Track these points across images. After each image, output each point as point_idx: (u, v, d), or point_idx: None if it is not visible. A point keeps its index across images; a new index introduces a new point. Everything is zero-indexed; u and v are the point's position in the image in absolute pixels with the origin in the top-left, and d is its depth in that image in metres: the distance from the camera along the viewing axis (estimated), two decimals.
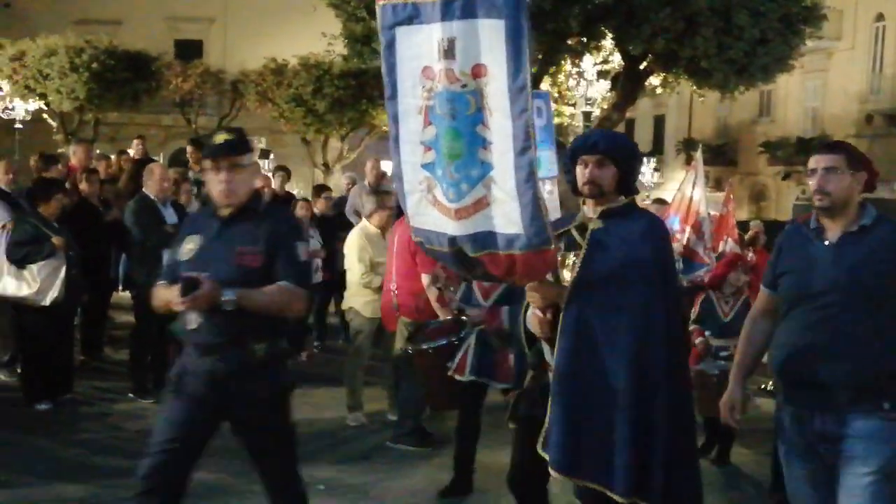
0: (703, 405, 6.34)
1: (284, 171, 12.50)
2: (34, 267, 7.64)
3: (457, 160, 3.56)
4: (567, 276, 3.84)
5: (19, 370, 8.24)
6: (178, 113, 30.24)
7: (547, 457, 3.77)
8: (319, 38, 22.19)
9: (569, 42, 16.25)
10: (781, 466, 3.91)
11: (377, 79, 9.64)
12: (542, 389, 3.92)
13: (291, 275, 3.96)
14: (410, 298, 6.90)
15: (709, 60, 15.36)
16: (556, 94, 19.64)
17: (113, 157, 13.11)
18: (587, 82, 19.13)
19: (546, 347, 3.92)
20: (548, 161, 9.29)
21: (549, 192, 9.10)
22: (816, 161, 3.72)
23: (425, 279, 6.74)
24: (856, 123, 28.67)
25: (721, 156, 33.19)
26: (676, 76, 17.39)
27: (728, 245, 10.24)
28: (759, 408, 6.62)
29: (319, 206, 11.02)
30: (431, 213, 3.73)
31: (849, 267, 3.59)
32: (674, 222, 9.49)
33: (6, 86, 26.50)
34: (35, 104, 26.86)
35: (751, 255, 10.51)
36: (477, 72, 3.45)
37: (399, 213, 6.43)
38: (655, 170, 33.56)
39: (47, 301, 7.65)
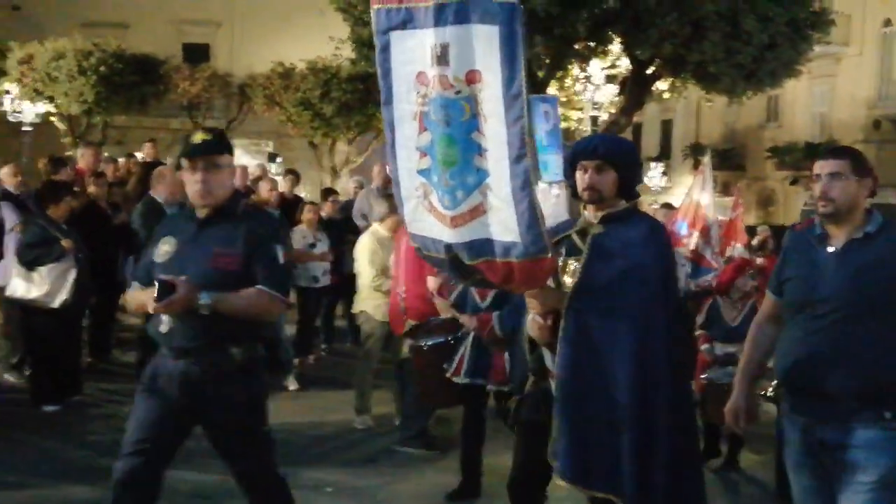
0: (715, 414, 6.30)
1: (294, 174, 12.53)
2: (43, 269, 7.65)
3: (452, 167, 3.52)
4: (568, 281, 3.82)
5: (28, 372, 8.26)
6: (186, 116, 30.26)
7: (555, 465, 3.75)
8: (327, 42, 22.24)
9: (576, 46, 16.26)
10: (785, 469, 3.88)
11: None
12: (543, 394, 3.91)
13: (270, 279, 3.89)
14: (418, 302, 6.90)
15: (716, 65, 15.35)
16: (564, 99, 19.66)
17: (121, 160, 13.16)
18: (595, 87, 19.15)
19: (547, 353, 3.91)
20: (555, 165, 9.33)
21: (557, 196, 9.13)
22: (821, 167, 3.64)
23: (430, 282, 6.74)
24: (864, 129, 28.62)
25: (729, 160, 33.17)
26: (684, 81, 17.40)
27: (736, 250, 10.21)
28: (766, 413, 6.60)
29: (327, 210, 11.04)
30: (428, 220, 3.71)
31: (852, 275, 3.53)
32: (681, 227, 9.49)
33: (14, 89, 26.57)
34: (43, 107, 26.91)
35: (760, 259, 10.50)
36: (471, 78, 3.41)
37: None
38: (663, 174, 33.53)
39: (57, 303, 7.67)
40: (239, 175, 12.03)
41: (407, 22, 3.56)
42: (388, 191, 10.32)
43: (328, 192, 12.07)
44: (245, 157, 28.46)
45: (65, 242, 7.70)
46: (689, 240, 9.38)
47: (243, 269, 3.86)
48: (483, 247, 3.52)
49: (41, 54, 26.01)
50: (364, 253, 7.75)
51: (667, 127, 38.14)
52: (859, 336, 3.49)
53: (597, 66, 18.43)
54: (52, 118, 27.50)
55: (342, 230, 10.72)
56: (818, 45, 16.98)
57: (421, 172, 3.67)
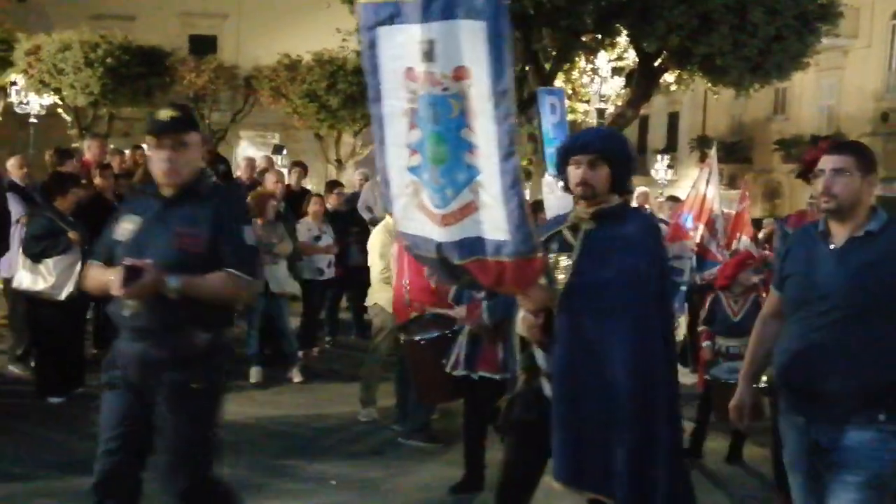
0: (721, 412, 6.25)
1: (301, 166, 12.50)
2: (49, 261, 7.65)
3: (441, 165, 3.46)
4: (560, 277, 3.74)
5: (33, 364, 8.28)
6: (192, 108, 30.27)
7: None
8: (333, 34, 22.23)
9: (583, 39, 16.27)
10: (783, 463, 3.86)
11: None
12: (535, 393, 3.86)
13: (237, 261, 3.77)
14: (422, 294, 6.90)
15: (723, 58, 15.33)
16: (571, 91, 19.68)
17: (127, 151, 13.14)
18: (601, 79, 19.13)
19: (538, 351, 3.85)
20: None
21: (564, 189, 9.10)
22: (825, 162, 3.58)
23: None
24: (871, 122, 28.50)
25: (735, 153, 33.04)
26: (691, 73, 17.38)
27: (743, 243, 10.18)
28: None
29: (332, 202, 11.02)
30: (418, 218, 3.64)
31: (852, 273, 3.47)
32: (687, 220, 9.46)
33: (21, 80, 26.65)
34: (50, 99, 27.00)
35: (767, 252, 10.47)
36: (459, 74, 3.34)
37: None
38: (669, 167, 33.47)
39: (63, 295, 7.66)
40: (245, 167, 12.09)
41: (395, 16, 3.48)
42: None
43: (333, 185, 12.04)
44: (251, 149, 28.53)
45: (71, 234, 7.70)
46: (695, 232, 9.35)
47: (208, 251, 3.74)
48: (474, 245, 3.46)
49: (48, 46, 26.08)
50: (375, 246, 7.73)
51: (673, 119, 38.03)
52: (859, 335, 3.44)
53: (604, 59, 18.43)
54: (59, 110, 27.58)
55: (347, 222, 10.71)
56: (826, 37, 16.97)
57: (411, 170, 3.60)
